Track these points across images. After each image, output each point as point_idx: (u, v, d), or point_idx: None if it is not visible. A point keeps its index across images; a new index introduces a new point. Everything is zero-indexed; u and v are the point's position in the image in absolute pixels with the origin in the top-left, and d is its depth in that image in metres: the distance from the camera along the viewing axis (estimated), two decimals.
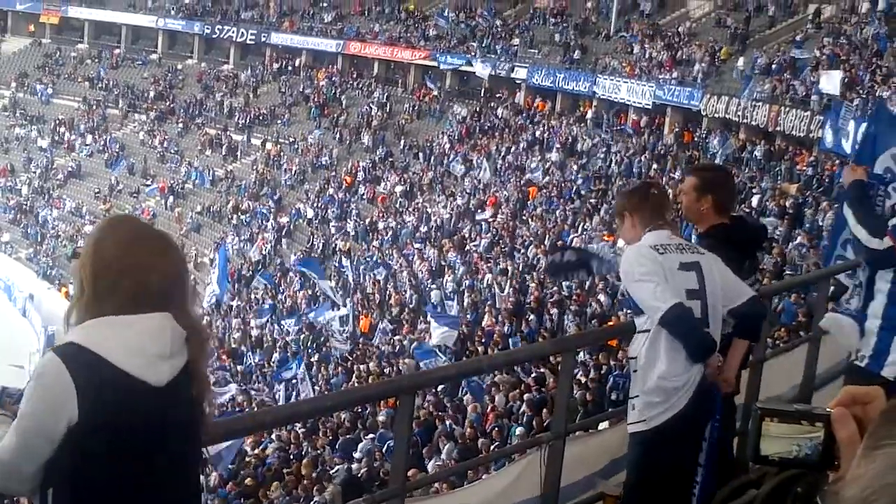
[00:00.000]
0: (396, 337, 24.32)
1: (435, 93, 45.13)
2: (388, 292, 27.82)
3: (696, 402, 4.55)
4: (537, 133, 38.26)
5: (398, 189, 37.90)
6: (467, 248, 29.17)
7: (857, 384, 1.62)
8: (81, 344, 2.50)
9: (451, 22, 46.77)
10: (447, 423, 16.01)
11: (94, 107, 51.36)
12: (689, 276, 4.55)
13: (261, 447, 18.44)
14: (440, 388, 17.40)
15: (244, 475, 16.90)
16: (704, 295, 4.55)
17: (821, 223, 22.19)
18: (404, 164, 40.58)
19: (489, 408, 16.38)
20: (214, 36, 53.08)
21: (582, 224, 27.92)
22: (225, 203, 42.14)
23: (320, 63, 50.21)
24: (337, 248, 34.68)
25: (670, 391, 4.51)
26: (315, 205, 39.08)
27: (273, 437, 18.39)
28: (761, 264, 16.47)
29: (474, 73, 44.21)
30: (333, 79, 48.37)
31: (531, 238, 27.79)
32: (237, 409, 21.64)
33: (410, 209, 35.73)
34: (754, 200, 26.11)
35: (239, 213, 41.06)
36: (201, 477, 16.86)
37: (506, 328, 21.41)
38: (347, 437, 17.21)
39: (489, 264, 26.51)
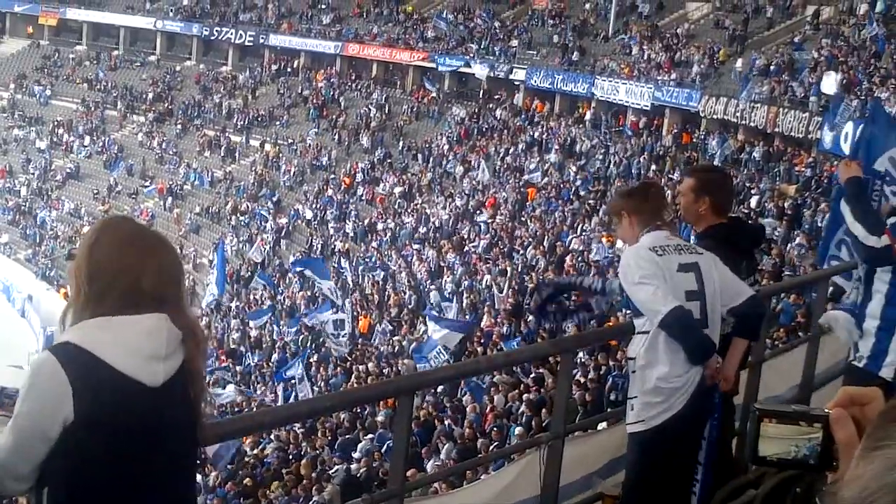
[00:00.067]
0: (395, 337, 24.33)
1: (433, 94, 45.11)
2: (386, 293, 27.82)
3: (695, 403, 4.55)
4: (536, 134, 38.26)
5: (397, 190, 37.89)
6: (466, 248, 29.17)
7: (855, 385, 1.63)
8: (77, 344, 2.50)
9: (450, 24, 46.76)
10: (446, 423, 16.02)
11: (93, 108, 51.36)
12: (688, 278, 4.55)
13: (260, 447, 18.45)
14: (439, 388, 17.40)
15: (243, 475, 16.90)
16: (703, 296, 4.56)
17: (819, 224, 22.19)
18: (403, 165, 40.57)
19: (488, 408, 16.38)
20: (213, 38, 53.06)
21: (581, 225, 27.92)
22: (224, 204, 42.14)
23: (319, 64, 50.18)
24: (336, 249, 34.68)
25: (669, 392, 4.52)
26: (314, 206, 39.07)
27: (272, 437, 18.40)
28: (760, 265, 16.47)
29: (473, 74, 44.20)
30: (332, 80, 48.36)
31: (530, 239, 27.79)
32: (236, 409, 21.65)
33: (409, 210, 35.73)
34: (753, 201, 26.11)
35: (238, 215, 41.06)
36: (200, 477, 16.90)
37: (504, 329, 21.42)
38: (346, 437, 17.22)
39: (488, 265, 26.51)
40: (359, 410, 17.68)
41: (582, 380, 15.62)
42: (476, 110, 42.46)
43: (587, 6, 44.53)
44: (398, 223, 34.61)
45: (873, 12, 32.60)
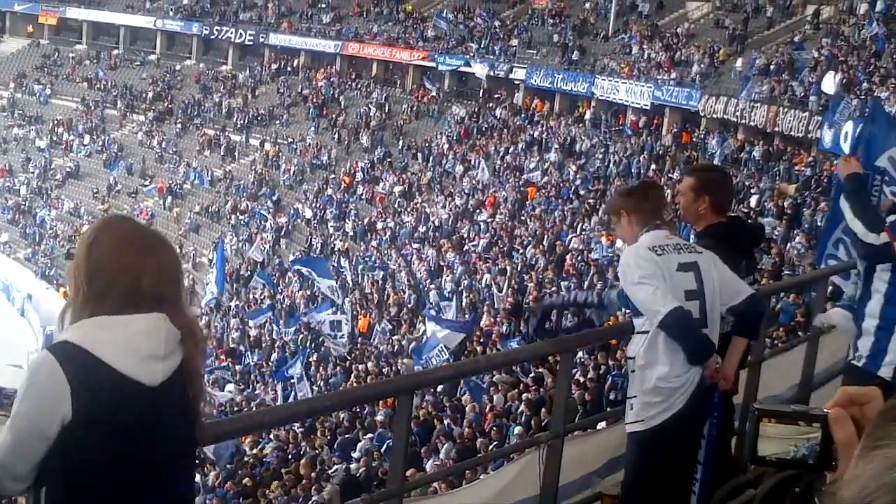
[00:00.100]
0: (395, 337, 24.33)
1: (433, 93, 45.12)
2: (386, 292, 27.82)
3: (695, 402, 4.55)
4: (536, 133, 38.26)
5: (397, 189, 37.90)
6: (466, 248, 29.17)
7: (854, 384, 1.62)
8: (76, 343, 2.50)
9: (450, 23, 46.76)
10: (446, 422, 16.02)
11: (93, 107, 51.35)
12: (687, 277, 4.55)
13: (259, 447, 18.44)
14: (439, 387, 17.40)
15: (242, 475, 16.90)
16: (703, 295, 4.56)
17: (819, 223, 22.19)
18: (403, 164, 40.58)
19: (488, 407, 16.38)
20: (213, 37, 53.05)
21: (580, 224, 27.93)
22: (223, 203, 42.15)
23: (319, 64, 50.18)
24: (335, 249, 34.68)
25: (669, 392, 4.51)
26: (313, 205, 39.08)
27: (271, 436, 18.40)
28: (759, 264, 16.47)
29: (473, 73, 44.21)
30: (332, 79, 48.37)
31: (530, 238, 27.79)
32: (235, 409, 21.66)
33: (409, 209, 35.73)
34: (753, 201, 26.11)
35: (237, 214, 41.06)
36: (199, 476, 16.90)
37: (504, 328, 21.42)
38: (346, 436, 17.21)
39: (487, 264, 26.51)
40: (358, 410, 17.68)
41: (581, 379, 15.62)
42: (476, 109, 42.47)
43: (587, 5, 44.53)
44: (398, 222, 34.62)
45: (873, 12, 32.61)
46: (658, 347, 4.50)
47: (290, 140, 45.05)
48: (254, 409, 19.49)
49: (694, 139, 33.92)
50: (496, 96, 43.25)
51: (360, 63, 49.00)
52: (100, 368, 2.48)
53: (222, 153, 46.03)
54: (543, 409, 14.42)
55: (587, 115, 38.61)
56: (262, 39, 51.40)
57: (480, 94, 43.74)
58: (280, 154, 44.35)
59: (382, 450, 15.06)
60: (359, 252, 33.96)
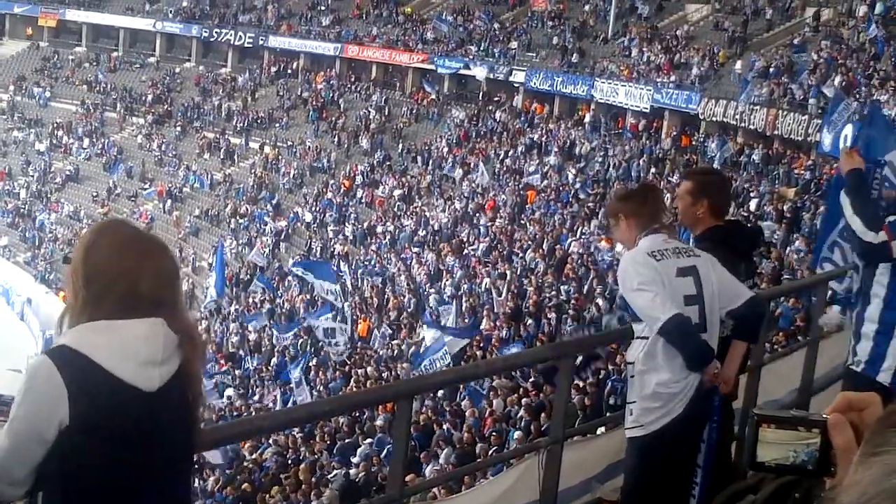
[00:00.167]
0: (395, 341, 24.31)
1: (433, 96, 45.15)
2: (386, 296, 27.81)
3: (694, 406, 4.55)
4: (535, 137, 38.28)
5: (396, 193, 37.91)
6: (465, 251, 29.17)
7: (853, 389, 1.62)
8: (73, 347, 2.50)
9: (450, 25, 46.79)
10: (445, 427, 16.01)
11: (92, 110, 51.36)
12: (686, 282, 4.54)
13: (258, 452, 18.43)
14: (439, 392, 17.39)
15: (241, 480, 16.89)
16: (702, 299, 4.55)
17: (819, 227, 22.18)
18: (402, 167, 40.59)
19: (487, 412, 16.37)
20: (212, 39, 53.08)
21: (580, 228, 27.93)
22: (223, 207, 42.14)
23: (318, 66, 50.21)
24: (335, 252, 34.67)
25: (668, 397, 4.51)
26: (313, 208, 39.08)
27: (271, 441, 18.38)
28: (759, 269, 16.47)
29: (472, 76, 44.24)
30: (331, 82, 48.39)
31: (529, 242, 27.79)
32: (235, 413, 21.65)
33: (408, 213, 35.74)
34: (752, 204, 26.11)
35: (237, 217, 41.06)
36: (198, 481, 16.89)
37: (503, 332, 21.40)
38: (345, 441, 17.20)
39: (487, 268, 26.50)
40: (358, 415, 17.67)
41: (581, 384, 15.61)
42: (475, 112, 42.50)
43: (586, 8, 44.56)
44: (397, 226, 34.61)
45: (873, 14, 32.63)
46: (657, 353, 4.49)
47: (289, 143, 45.06)
48: (253, 413, 19.48)
49: (693, 142, 33.94)
50: (496, 99, 43.28)
51: (360, 66, 49.03)
52: (97, 373, 2.48)
53: (222, 156, 46.04)
54: (543, 414, 14.42)
55: (587, 118, 38.63)
56: (261, 42, 51.44)
57: (480, 97, 43.77)
58: (280, 157, 44.36)
59: (382, 455, 15.06)
60: (358, 256, 33.95)
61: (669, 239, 4.67)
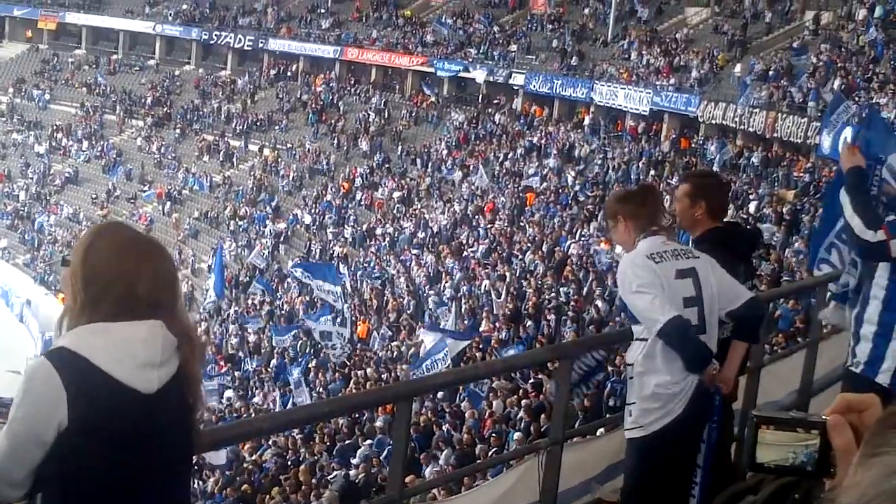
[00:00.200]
0: (394, 343, 24.31)
1: (432, 99, 45.17)
2: (385, 298, 27.81)
3: (694, 406, 4.55)
4: (535, 139, 38.30)
5: (396, 195, 37.91)
6: (465, 254, 29.17)
7: (853, 390, 1.62)
8: (72, 349, 2.50)
9: (449, 28, 46.81)
10: (445, 428, 16.01)
11: (92, 112, 51.36)
12: (685, 284, 4.54)
13: (258, 453, 18.42)
14: (438, 393, 17.38)
15: (241, 481, 16.88)
16: (701, 302, 4.55)
17: (815, 227, 22.19)
18: (402, 170, 40.60)
19: (487, 413, 16.37)
20: (212, 42, 53.10)
21: (579, 230, 27.94)
22: (223, 209, 42.14)
23: (318, 69, 50.22)
24: (334, 254, 34.67)
25: (667, 398, 4.51)
26: (313, 210, 39.08)
27: (270, 442, 18.38)
28: (758, 271, 16.47)
29: (472, 79, 44.26)
30: (331, 85, 48.41)
31: (529, 244, 27.79)
32: (234, 414, 21.64)
33: (408, 215, 35.74)
34: (751, 206, 26.12)
35: (237, 219, 41.06)
36: (198, 483, 16.88)
37: (503, 334, 21.40)
38: (345, 442, 17.20)
39: (486, 270, 26.50)
40: (357, 416, 17.66)
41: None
42: (475, 115, 42.52)
43: (586, 11, 44.61)
44: (397, 228, 34.62)
45: (872, 17, 32.65)
46: (656, 355, 4.49)
47: (289, 145, 45.07)
48: (253, 414, 19.47)
49: (693, 145, 33.96)
50: (495, 102, 43.29)
51: (359, 68, 49.04)
52: (96, 375, 2.48)
53: (221, 158, 46.04)
54: (543, 415, 14.41)
55: (586, 121, 38.66)
56: (261, 45, 51.45)
57: (479, 100, 43.78)
58: (279, 159, 44.36)
59: (382, 456, 15.04)
60: (358, 258, 33.95)
61: (668, 241, 4.67)
